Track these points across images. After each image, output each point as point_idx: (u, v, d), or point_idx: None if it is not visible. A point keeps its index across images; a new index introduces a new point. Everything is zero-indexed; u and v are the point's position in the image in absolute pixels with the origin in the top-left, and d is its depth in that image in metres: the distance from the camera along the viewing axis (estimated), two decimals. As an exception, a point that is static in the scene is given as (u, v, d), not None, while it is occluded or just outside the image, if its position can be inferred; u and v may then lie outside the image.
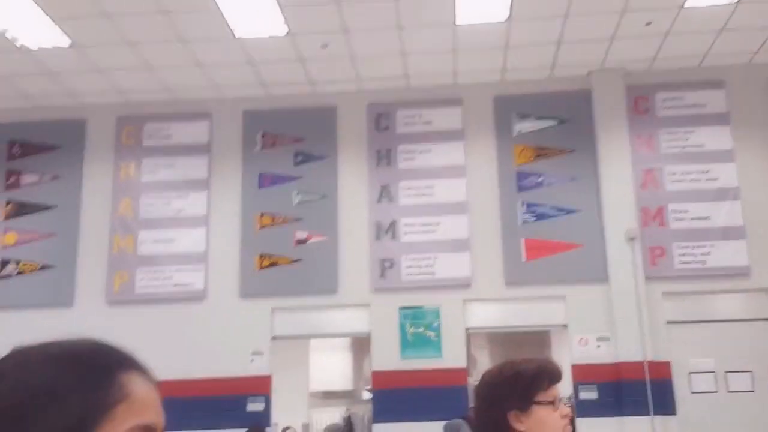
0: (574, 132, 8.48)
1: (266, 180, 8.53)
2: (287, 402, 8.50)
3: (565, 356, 8.11)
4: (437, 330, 8.14)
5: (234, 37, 7.54)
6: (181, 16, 7.17)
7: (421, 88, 8.66)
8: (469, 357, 8.50)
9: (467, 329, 8.24)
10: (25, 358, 0.80)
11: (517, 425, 1.80)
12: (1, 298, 8.26)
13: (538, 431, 1.80)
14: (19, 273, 8.35)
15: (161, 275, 8.29)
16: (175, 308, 8.13)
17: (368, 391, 9.13)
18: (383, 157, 8.56)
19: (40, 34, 7.32)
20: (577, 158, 8.43)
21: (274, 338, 8.21)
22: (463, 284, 8.21)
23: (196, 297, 8.24)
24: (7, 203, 8.53)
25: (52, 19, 7.10)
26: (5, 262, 8.37)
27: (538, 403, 1.81)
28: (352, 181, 8.53)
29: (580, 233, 8.23)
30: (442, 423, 7.24)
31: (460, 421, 7.35)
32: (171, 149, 8.66)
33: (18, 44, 7.42)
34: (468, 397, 7.85)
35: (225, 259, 8.33)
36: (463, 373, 8.12)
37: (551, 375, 1.89)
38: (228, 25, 7.34)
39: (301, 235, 8.35)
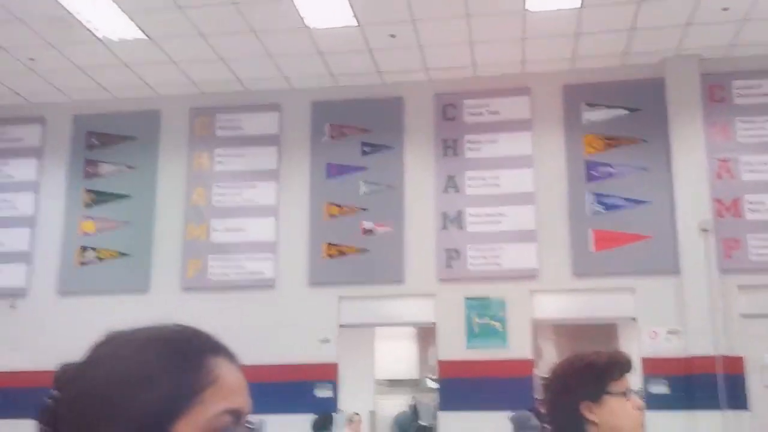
0: (646, 121, 8.05)
1: (334, 170, 8.39)
2: (353, 389, 8.40)
3: (634, 349, 7.74)
4: (503, 320, 7.89)
5: (305, 26, 7.42)
6: (253, 7, 7.05)
7: (489, 77, 8.34)
8: (535, 348, 8.24)
9: (533, 320, 7.96)
10: (119, 342, 0.80)
11: (589, 416, 1.75)
12: (82, 284, 8.32)
13: (610, 422, 1.75)
14: (99, 260, 8.48)
15: (232, 263, 8.20)
16: (246, 295, 8.01)
17: (433, 380, 8.96)
18: (449, 147, 8.30)
19: (118, 26, 7.32)
20: (648, 148, 8.00)
21: (341, 326, 8.08)
22: (530, 275, 7.91)
23: (266, 285, 8.10)
24: (88, 192, 8.68)
25: (127, 12, 7.10)
26: (85, 249, 8.52)
27: (610, 393, 1.76)
28: (419, 171, 8.30)
29: (651, 224, 7.83)
30: (508, 414, 7.02)
31: (527, 412, 7.12)
32: (242, 140, 8.55)
33: (99, 36, 7.47)
34: (534, 388, 7.63)
35: (294, 248, 8.17)
36: (529, 363, 7.84)
37: (623, 365, 1.83)
38: (299, 15, 7.22)
39: (367, 224, 8.19)
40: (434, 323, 8.02)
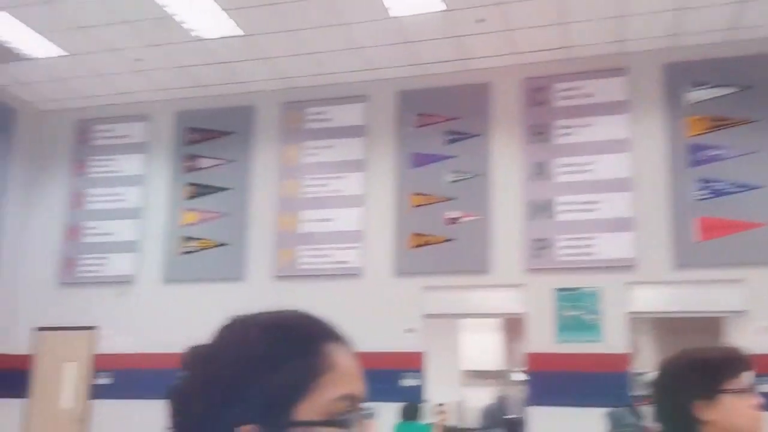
0: (757, 100, 7.13)
1: (419, 159, 8.06)
2: (439, 379, 8.10)
3: (742, 345, 6.97)
4: (596, 313, 7.31)
5: (389, 15, 7.18)
6: (340, 0, 6.94)
7: (582, 58, 7.73)
8: (632, 343, 7.60)
9: (630, 313, 7.34)
10: (242, 326, 0.80)
11: (702, 415, 1.58)
12: (184, 272, 8.44)
13: (726, 421, 1.56)
14: (199, 249, 8.67)
15: (321, 252, 8.09)
16: (333, 284, 7.78)
17: (521, 372, 8.51)
18: (539, 132, 7.75)
19: (214, 24, 7.29)
20: (760, 128, 7.13)
21: (425, 316, 7.82)
22: (626, 265, 7.25)
23: (353, 274, 7.84)
24: (188, 185, 8.90)
25: (224, 10, 7.14)
26: (187, 239, 8.74)
27: (727, 391, 1.58)
28: (506, 159, 7.81)
29: (764, 211, 7.01)
30: (602, 410, 6.51)
31: (623, 409, 6.58)
32: (330, 131, 8.35)
33: (198, 35, 7.59)
34: (631, 384, 7.05)
35: (379, 238, 7.86)
36: (625, 358, 7.20)
37: (740, 362, 1.64)
38: (384, 5, 6.99)
39: (452, 214, 7.81)
40: (522, 314, 7.56)
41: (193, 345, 0.84)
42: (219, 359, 0.77)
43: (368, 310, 7.64)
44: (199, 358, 0.80)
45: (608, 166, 7.39)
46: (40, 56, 8.02)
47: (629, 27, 7.19)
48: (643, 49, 7.52)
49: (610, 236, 7.25)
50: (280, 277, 8.16)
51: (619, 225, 7.26)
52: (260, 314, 0.82)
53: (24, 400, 8.63)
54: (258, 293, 8.00)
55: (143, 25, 7.37)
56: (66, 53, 7.96)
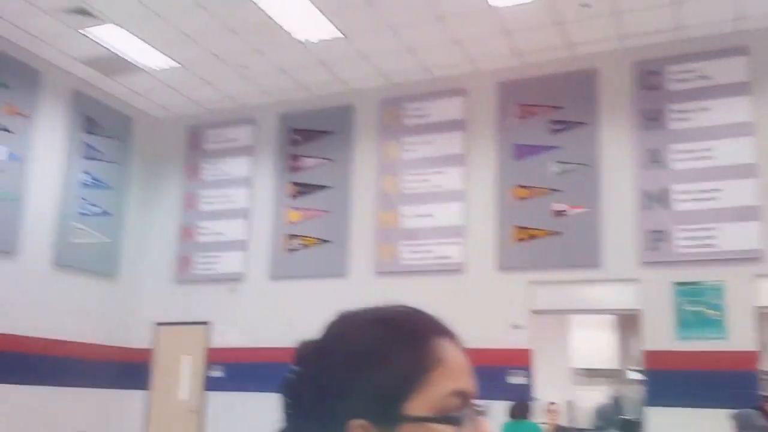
0: None
1: (521, 151, 7.72)
2: (548, 377, 7.71)
3: None
4: (720, 308, 6.71)
5: (488, 6, 6.93)
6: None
7: (696, 38, 7.17)
8: (761, 340, 6.94)
9: (757, 308, 6.69)
10: (352, 321, 0.80)
11: None
12: (289, 269, 8.51)
13: None
14: (304, 246, 8.73)
15: (422, 248, 7.92)
16: (435, 279, 7.58)
17: (636, 371, 7.97)
18: (651, 118, 7.23)
19: (315, 27, 7.30)
20: None
21: (533, 312, 7.46)
22: (753, 257, 6.60)
23: (455, 269, 7.62)
24: (292, 184, 8.99)
25: (325, 13, 7.14)
26: (292, 237, 8.82)
27: None
28: (616, 147, 7.34)
29: None
30: (728, 411, 5.94)
31: (752, 410, 5.98)
32: (429, 127, 8.16)
33: (300, 38, 7.63)
34: (759, 384, 6.41)
35: (481, 232, 7.58)
36: (753, 356, 6.57)
37: None
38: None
39: (559, 206, 7.41)
40: (637, 310, 7.06)
41: (304, 340, 0.82)
42: (329, 354, 0.77)
43: (471, 306, 7.39)
44: (310, 353, 0.79)
45: (729, 152, 6.79)
46: (154, 67, 8.32)
47: (749, 2, 6.57)
48: (765, 26, 6.87)
49: (734, 226, 6.65)
50: (382, 273, 8.06)
51: (744, 214, 6.64)
52: (368, 309, 0.81)
53: (145, 391, 8.98)
54: (360, 289, 7.94)
55: (248, 32, 7.49)
56: (177, 63, 8.22)
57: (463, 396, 0.75)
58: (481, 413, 0.77)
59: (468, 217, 7.76)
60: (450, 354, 0.77)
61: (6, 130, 7.73)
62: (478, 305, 7.35)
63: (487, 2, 6.79)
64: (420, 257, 7.87)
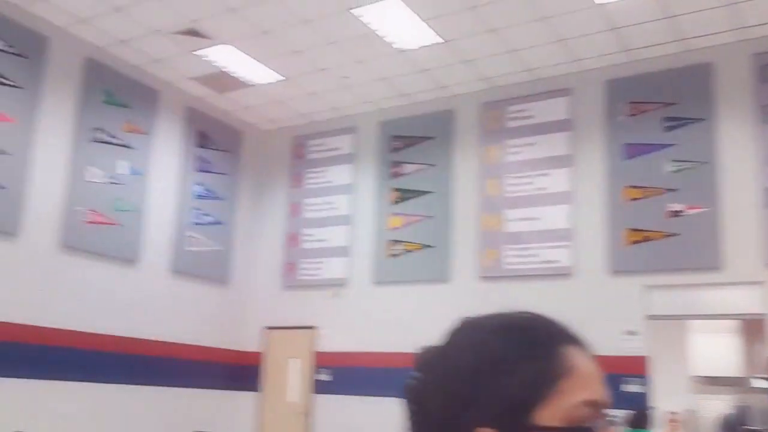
0: None
1: (632, 150, 7.41)
2: (667, 386, 7.33)
3: None
4: None
5: (594, 3, 6.74)
6: (538, -8, 6.63)
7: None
8: None
9: None
10: (475, 328, 0.78)
11: None
12: (392, 274, 8.57)
13: None
14: (406, 252, 8.76)
15: (527, 252, 7.76)
16: (542, 284, 7.43)
17: (762, 379, 7.44)
18: (774, 112, 6.82)
19: (415, 35, 7.39)
20: None
21: (649, 317, 7.12)
22: None
23: (563, 273, 7.43)
24: (394, 190, 9.04)
25: (424, 20, 7.16)
26: (394, 242, 8.87)
27: None
28: (736, 144, 6.91)
29: None
30: None
31: None
32: (532, 128, 8.01)
33: (399, 47, 7.70)
34: None
35: (591, 235, 7.36)
36: None
37: None
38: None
39: (675, 206, 7.07)
40: (763, 315, 6.60)
41: (426, 346, 0.81)
42: (453, 361, 0.76)
43: (582, 311, 7.13)
44: (432, 359, 0.78)
45: None
46: (261, 82, 8.63)
47: None
48: None
49: None
50: (486, 278, 7.96)
51: None
52: (492, 316, 0.79)
53: (256, 393, 9.26)
54: (464, 294, 7.88)
55: (349, 43, 7.63)
56: (283, 77, 8.48)
57: (595, 406, 0.72)
58: (613, 424, 0.73)
59: (576, 219, 7.55)
60: (580, 362, 0.74)
61: (128, 146, 8.20)
62: (588, 310, 7.12)
63: (593, 0, 6.60)
64: (525, 261, 7.72)
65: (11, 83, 7.10)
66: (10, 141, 7.02)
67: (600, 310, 7.12)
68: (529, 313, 0.79)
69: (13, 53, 7.16)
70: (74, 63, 7.72)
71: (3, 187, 6.91)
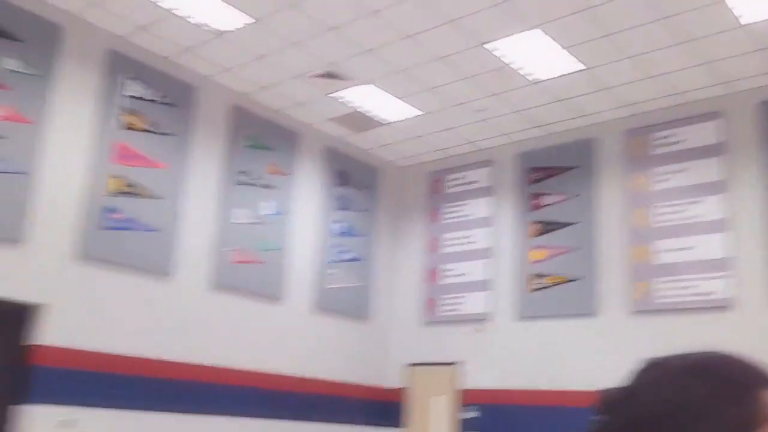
0: None
1: (795, 173, 7.32)
2: None
3: None
4: None
5: (740, 24, 6.82)
6: (681, 17, 6.79)
7: None
8: None
9: None
10: (664, 369, 0.79)
11: None
12: (536, 308, 8.88)
13: None
14: (549, 285, 8.99)
15: (681, 284, 7.79)
16: (698, 318, 7.48)
17: None
18: None
19: (553, 64, 7.71)
20: None
21: (823, 353, 6.87)
22: None
23: (720, 306, 7.44)
24: (533, 223, 9.35)
25: (565, 48, 7.49)
26: (536, 276, 9.12)
27: None
28: None
29: None
30: None
31: None
32: (681, 154, 8.13)
33: (534, 78, 8.12)
34: None
35: (753, 264, 7.34)
36: None
37: None
38: (733, 14, 6.68)
39: None
40: None
41: (610, 388, 0.84)
42: (641, 405, 0.76)
43: (743, 347, 6.95)
44: (620, 402, 0.79)
45: None
46: (397, 119, 9.34)
47: None
48: None
49: None
50: (637, 312, 8.04)
51: None
52: (681, 356, 0.80)
53: (399, 429, 9.77)
54: (614, 328, 8.01)
55: (484, 78, 8.16)
56: (420, 113, 9.13)
57: None
58: None
59: (735, 248, 7.50)
60: None
61: (271, 187, 9.04)
62: (751, 346, 6.91)
63: (739, 20, 6.71)
64: (679, 294, 7.76)
65: (163, 131, 7.93)
66: (163, 186, 7.75)
67: (765, 345, 6.96)
68: (722, 353, 0.80)
69: (164, 103, 8.01)
70: (220, 110, 8.59)
71: (158, 230, 7.66)
